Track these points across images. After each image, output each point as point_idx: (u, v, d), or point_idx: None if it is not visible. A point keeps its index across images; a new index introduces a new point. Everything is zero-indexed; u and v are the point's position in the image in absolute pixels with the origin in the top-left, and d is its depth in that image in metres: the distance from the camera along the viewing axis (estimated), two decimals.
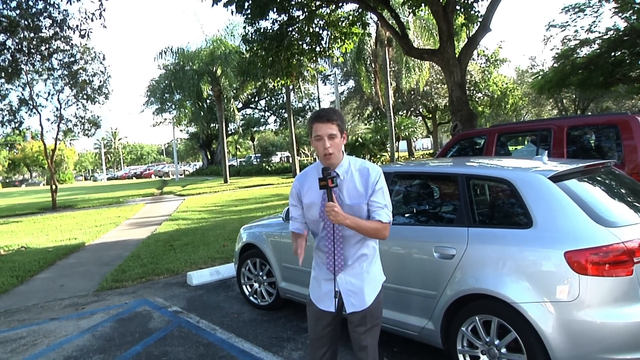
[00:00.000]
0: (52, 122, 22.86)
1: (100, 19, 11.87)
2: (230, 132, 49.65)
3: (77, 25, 12.45)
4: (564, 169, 3.52)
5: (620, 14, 17.38)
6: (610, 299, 2.92)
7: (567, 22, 20.94)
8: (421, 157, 41.30)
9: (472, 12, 11.44)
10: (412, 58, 22.61)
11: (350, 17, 13.34)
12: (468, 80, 31.07)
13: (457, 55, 10.41)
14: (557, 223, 3.16)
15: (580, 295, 2.92)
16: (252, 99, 46.75)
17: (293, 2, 11.96)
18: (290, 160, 36.77)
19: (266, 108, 49.31)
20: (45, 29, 13.20)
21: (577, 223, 3.09)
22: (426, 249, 3.72)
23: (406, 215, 4.50)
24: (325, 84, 44.36)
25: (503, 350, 3.23)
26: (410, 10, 13.26)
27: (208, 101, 38.32)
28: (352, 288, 2.81)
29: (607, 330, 2.91)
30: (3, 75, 14.61)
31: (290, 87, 30.39)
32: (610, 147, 6.07)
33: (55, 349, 4.89)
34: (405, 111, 40.14)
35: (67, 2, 11.86)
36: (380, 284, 2.89)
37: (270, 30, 12.57)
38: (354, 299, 2.82)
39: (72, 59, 19.72)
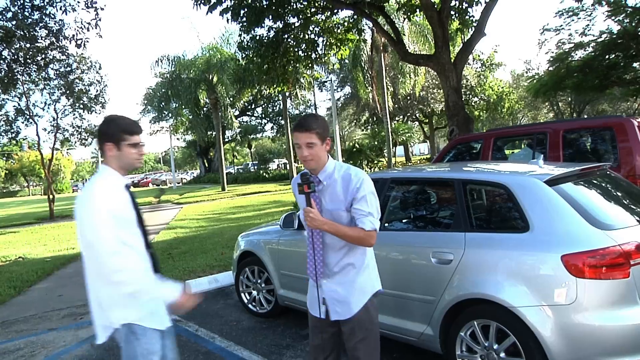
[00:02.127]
0: (48, 132, 22.88)
1: (96, 28, 11.90)
2: (227, 140, 49.67)
3: (73, 35, 12.46)
4: (559, 172, 3.53)
5: (613, 18, 17.46)
6: (608, 301, 2.93)
7: (561, 25, 21.06)
8: (418, 162, 41.37)
9: (467, 17, 11.48)
10: (408, 63, 22.68)
11: (346, 24, 13.39)
12: (464, 85, 31.20)
13: (452, 60, 10.45)
14: (554, 227, 3.17)
15: (577, 298, 2.93)
16: (249, 107, 46.81)
17: (288, 9, 12.00)
18: (288, 167, 36.76)
19: (263, 115, 49.36)
20: (41, 39, 13.22)
21: (574, 226, 3.10)
22: (424, 254, 3.72)
23: (404, 221, 4.51)
24: (321, 91, 44.48)
25: (502, 354, 3.23)
26: (405, 16, 13.30)
27: (205, 109, 38.34)
28: (336, 296, 2.81)
29: (605, 333, 2.91)
30: None
31: (287, 94, 30.43)
32: (606, 149, 6.10)
33: None
34: (401, 116, 40.25)
35: (63, 12, 11.89)
36: (370, 294, 2.83)
37: (266, 38, 12.61)
38: (339, 307, 2.82)
39: (69, 68, 19.72)
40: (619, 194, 3.82)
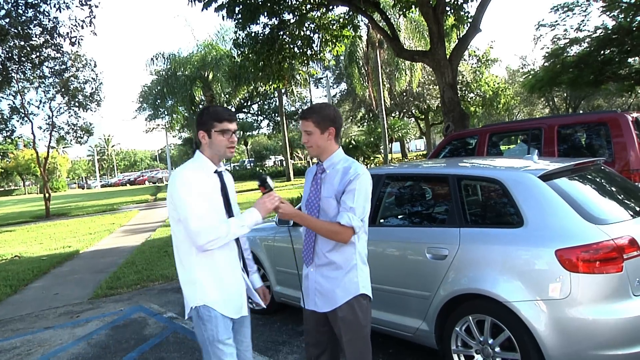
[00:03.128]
0: (44, 130, 22.87)
1: (90, 26, 11.89)
2: None
3: (67, 33, 12.46)
4: (553, 167, 3.54)
5: (608, 13, 17.48)
6: (602, 295, 2.95)
7: (556, 21, 21.04)
8: (414, 158, 41.40)
9: (462, 13, 11.50)
10: (404, 60, 22.66)
11: (341, 20, 13.36)
12: (460, 81, 31.21)
13: (448, 56, 10.45)
14: (548, 221, 3.18)
15: (571, 292, 2.94)
16: (245, 104, 46.69)
17: (283, 6, 11.97)
18: (284, 164, 36.73)
19: (259, 112, 49.22)
20: (36, 36, 13.19)
21: (568, 221, 3.12)
22: (419, 250, 3.73)
23: (399, 216, 4.52)
24: (317, 87, 44.43)
25: (497, 349, 3.25)
26: (401, 13, 13.29)
27: (201, 106, 38.24)
28: (319, 288, 2.84)
29: (599, 327, 2.93)
30: None
31: (283, 90, 30.40)
32: (600, 145, 6.12)
33: (50, 358, 4.87)
34: (397, 113, 40.26)
35: (57, 10, 11.87)
36: (354, 294, 2.78)
37: (261, 34, 12.58)
38: (319, 299, 2.85)
39: (63, 66, 19.68)
40: (613, 188, 3.84)
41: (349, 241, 2.72)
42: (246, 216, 2.59)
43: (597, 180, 3.84)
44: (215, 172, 2.71)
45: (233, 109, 41.57)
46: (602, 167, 3.98)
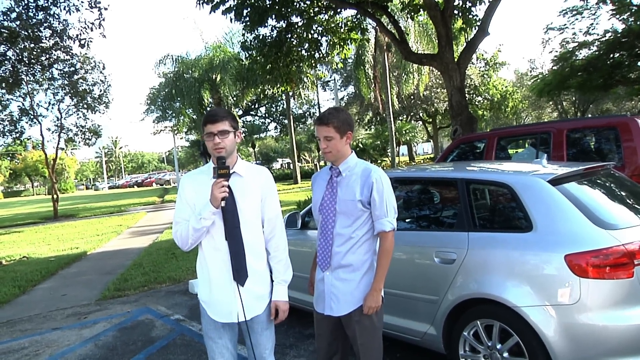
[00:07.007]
0: (52, 132, 23.06)
1: (99, 28, 11.95)
2: None
3: (77, 35, 12.54)
4: (563, 172, 3.51)
5: (617, 16, 17.39)
6: (612, 301, 2.92)
7: (565, 24, 21.01)
8: (422, 161, 41.30)
9: (470, 16, 11.44)
10: (412, 63, 22.63)
11: (349, 23, 13.35)
12: (467, 84, 31.11)
13: (456, 60, 10.42)
14: (557, 226, 3.15)
15: (581, 298, 2.91)
16: (253, 106, 46.74)
17: (291, 9, 11.99)
18: (291, 167, 36.71)
19: (266, 115, 49.30)
20: (46, 39, 13.27)
21: (577, 226, 3.09)
22: (427, 254, 3.72)
23: (407, 220, 4.50)
24: (325, 90, 44.40)
25: (505, 354, 3.23)
26: (409, 16, 13.27)
27: (209, 108, 38.34)
28: (335, 291, 2.84)
29: (608, 333, 2.90)
30: (4, 85, 14.68)
31: (290, 93, 30.42)
32: (610, 149, 6.07)
33: (57, 359, 4.89)
34: (405, 116, 40.22)
35: (67, 12, 11.95)
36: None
37: (269, 37, 12.60)
38: (335, 303, 2.84)
39: (72, 68, 19.81)
40: (623, 193, 3.80)
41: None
42: (203, 209, 2.59)
43: (607, 184, 3.81)
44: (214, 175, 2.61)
45: (240, 112, 41.70)
46: (612, 172, 3.94)
